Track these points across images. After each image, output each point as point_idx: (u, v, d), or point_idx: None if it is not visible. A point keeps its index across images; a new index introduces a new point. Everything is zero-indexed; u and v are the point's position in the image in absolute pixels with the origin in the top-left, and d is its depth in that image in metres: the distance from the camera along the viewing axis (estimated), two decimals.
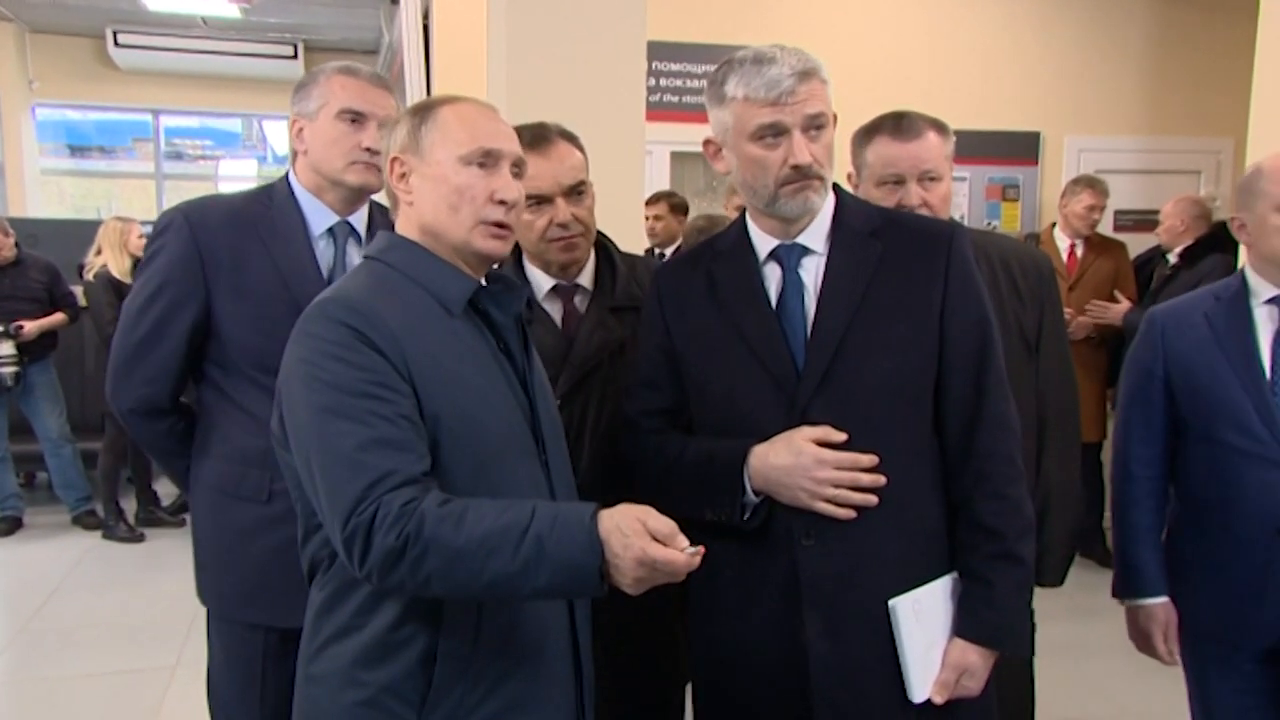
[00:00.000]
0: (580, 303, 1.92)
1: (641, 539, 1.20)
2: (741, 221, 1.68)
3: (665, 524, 1.21)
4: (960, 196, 5.46)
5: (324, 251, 1.99)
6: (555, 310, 1.90)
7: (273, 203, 1.98)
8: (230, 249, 1.92)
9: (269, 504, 1.91)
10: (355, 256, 2.00)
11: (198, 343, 1.95)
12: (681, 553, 1.20)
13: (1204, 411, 1.91)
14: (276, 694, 1.93)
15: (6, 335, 5.24)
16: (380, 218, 2.08)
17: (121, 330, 2.00)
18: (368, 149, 1.93)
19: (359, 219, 2.04)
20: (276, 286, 1.91)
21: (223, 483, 1.95)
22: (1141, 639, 2.05)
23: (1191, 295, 2.04)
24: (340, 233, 2.00)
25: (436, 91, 4.71)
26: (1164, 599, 2.00)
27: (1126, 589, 2.04)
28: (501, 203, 1.43)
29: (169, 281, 1.93)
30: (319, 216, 1.99)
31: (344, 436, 1.28)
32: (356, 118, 1.93)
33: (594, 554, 1.21)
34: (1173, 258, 4.68)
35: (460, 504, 1.26)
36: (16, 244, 5.44)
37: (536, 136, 1.82)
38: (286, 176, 2.03)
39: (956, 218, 1.74)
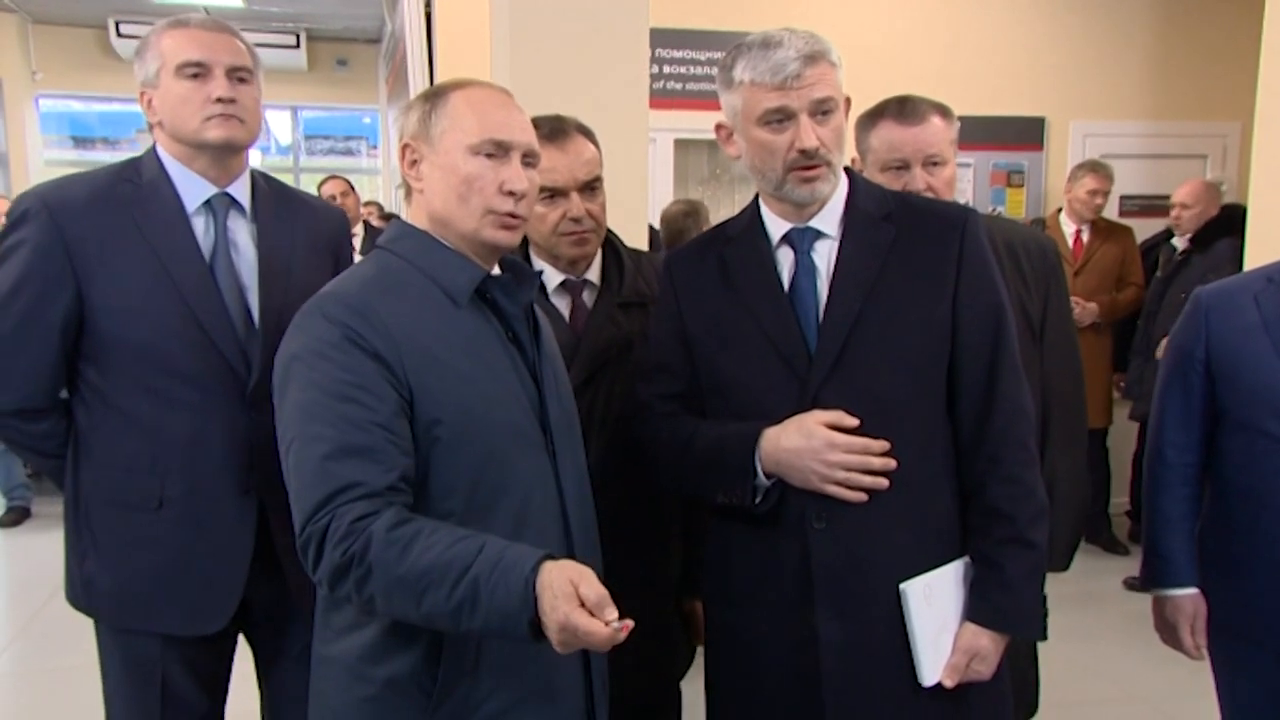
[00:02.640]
0: (588, 298, 1.91)
1: (568, 604, 1.16)
2: (754, 206, 1.68)
3: (596, 593, 1.17)
4: (965, 183, 5.44)
5: (203, 228, 1.81)
6: (563, 305, 1.90)
7: (142, 179, 1.80)
8: (98, 234, 1.74)
9: (160, 510, 1.78)
10: (240, 231, 1.86)
11: (72, 339, 1.77)
12: (605, 625, 1.15)
13: (1244, 398, 1.80)
14: (179, 703, 1.85)
15: None
16: (264, 184, 1.93)
17: None
18: (219, 99, 1.76)
19: (240, 189, 1.86)
20: (155, 272, 1.75)
21: (106, 491, 1.81)
22: (1167, 631, 1.95)
23: (1242, 276, 1.93)
24: (220, 206, 1.83)
25: (440, 81, 4.71)
26: (1192, 590, 1.89)
27: (1153, 578, 1.94)
28: (511, 194, 1.41)
29: (30, 276, 1.74)
30: (193, 189, 1.81)
31: (316, 441, 1.28)
32: (198, 69, 1.76)
33: (526, 607, 1.18)
34: (1181, 243, 4.62)
35: (413, 528, 1.25)
36: None
37: (554, 130, 1.81)
38: (154, 148, 1.84)
39: (961, 204, 1.75)
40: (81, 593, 1.86)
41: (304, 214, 1.97)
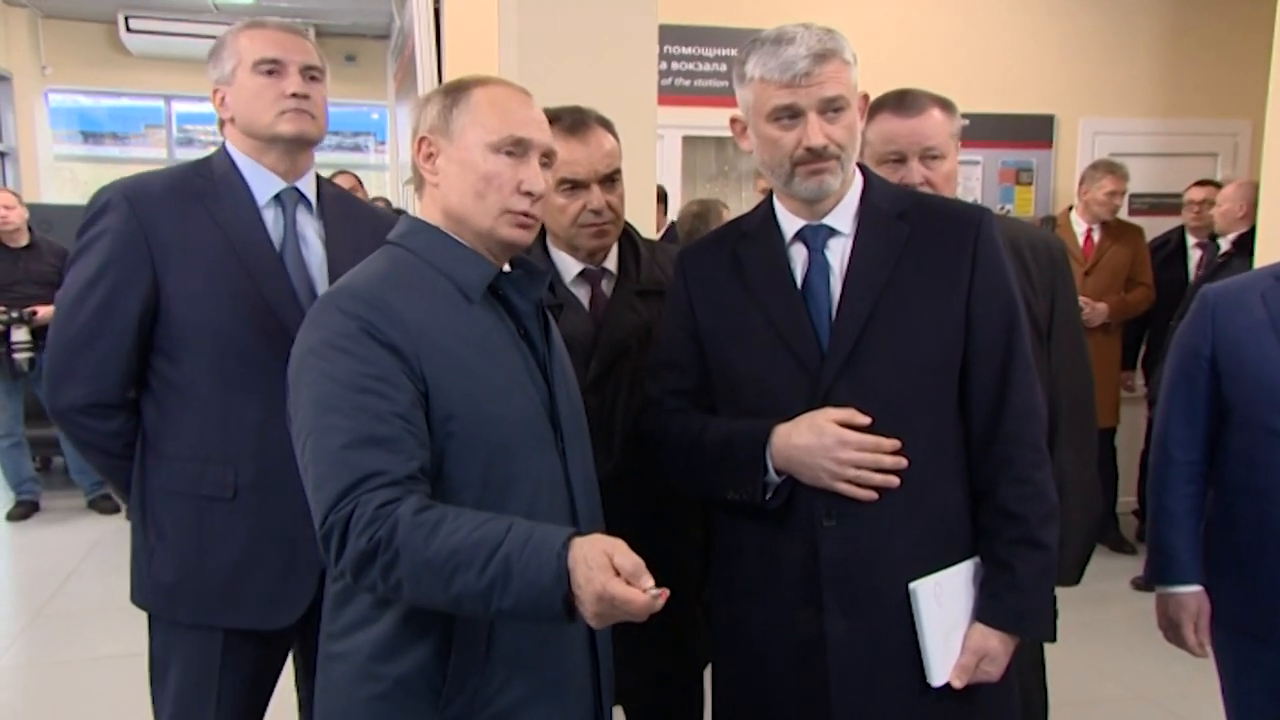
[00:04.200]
0: (606, 287, 1.92)
1: (604, 574, 1.15)
2: (768, 202, 1.68)
3: (631, 561, 1.16)
4: (973, 180, 5.43)
5: (273, 220, 1.88)
6: (583, 294, 1.91)
7: (214, 173, 1.87)
8: (175, 223, 1.81)
9: (234, 500, 1.80)
10: (307, 225, 1.92)
11: (147, 329, 1.82)
12: (644, 593, 1.14)
13: (1249, 395, 1.81)
14: (233, 696, 1.86)
15: (21, 321, 5.27)
16: (328, 188, 2.00)
17: (59, 323, 1.84)
18: (294, 95, 1.84)
19: (307, 186, 1.93)
20: (227, 258, 1.80)
21: (179, 484, 1.83)
22: (1170, 628, 1.96)
23: (1249, 275, 1.95)
24: (289, 200, 1.90)
25: (449, 77, 4.69)
26: (1196, 588, 1.90)
27: (1157, 575, 1.95)
28: (529, 194, 1.41)
29: (111, 263, 1.79)
30: (263, 184, 1.87)
31: (334, 432, 1.28)
32: (274, 67, 1.83)
33: (560, 582, 1.17)
34: (1225, 243, 4.54)
35: (438, 512, 1.24)
36: (30, 228, 5.46)
37: (575, 122, 1.82)
38: (224, 147, 1.91)
39: (975, 203, 1.75)
40: (150, 592, 1.88)
41: (366, 217, 2.03)
